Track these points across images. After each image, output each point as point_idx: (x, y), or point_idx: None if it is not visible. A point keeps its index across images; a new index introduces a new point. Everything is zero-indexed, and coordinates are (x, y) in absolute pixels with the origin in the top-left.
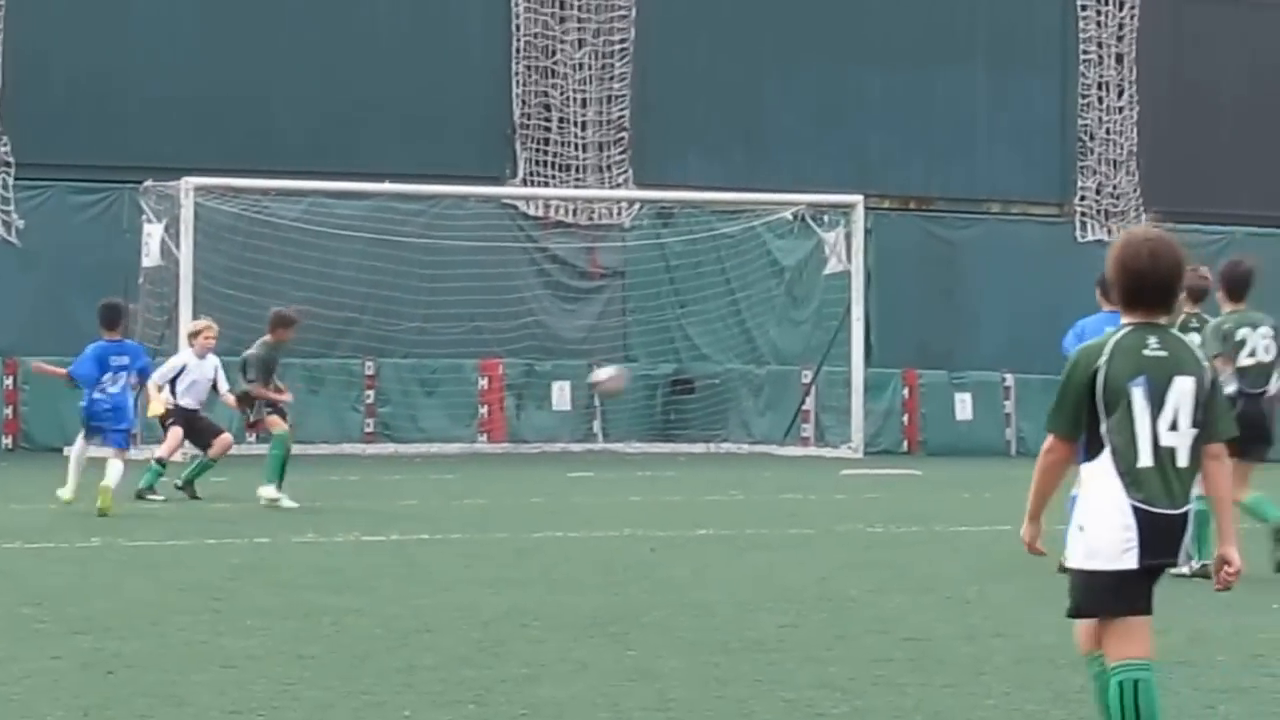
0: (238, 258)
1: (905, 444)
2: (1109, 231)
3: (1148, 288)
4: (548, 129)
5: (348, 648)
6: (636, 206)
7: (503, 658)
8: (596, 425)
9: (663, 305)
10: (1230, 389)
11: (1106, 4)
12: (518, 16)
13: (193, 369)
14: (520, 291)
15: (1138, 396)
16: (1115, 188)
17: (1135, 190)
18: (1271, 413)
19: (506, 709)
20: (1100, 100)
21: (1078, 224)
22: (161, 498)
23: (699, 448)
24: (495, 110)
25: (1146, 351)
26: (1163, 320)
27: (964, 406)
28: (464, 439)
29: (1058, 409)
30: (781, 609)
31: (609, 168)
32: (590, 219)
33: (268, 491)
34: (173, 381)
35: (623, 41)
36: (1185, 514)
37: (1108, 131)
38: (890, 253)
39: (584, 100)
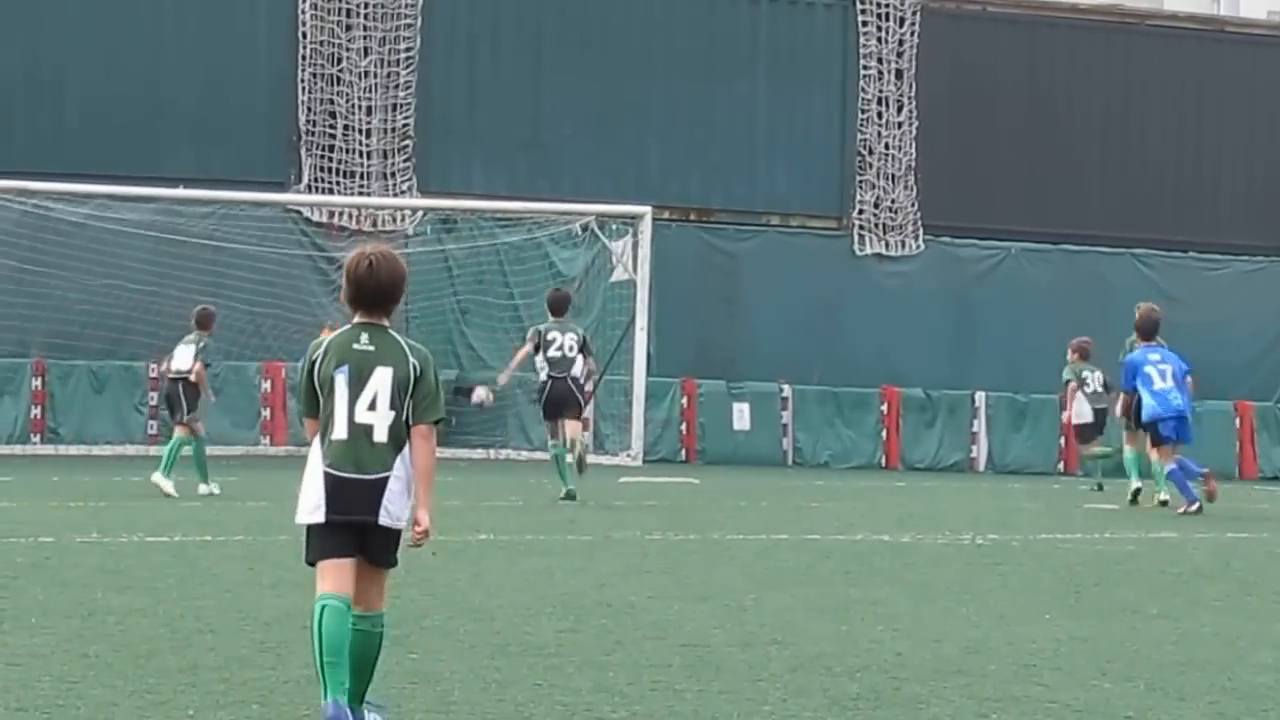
0: (24, 258)
1: (683, 453)
2: (886, 245)
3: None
4: (333, 136)
5: (131, 647)
6: (420, 214)
7: (285, 659)
8: None
9: (445, 312)
10: None
11: (887, 20)
12: (304, 24)
13: None
14: (304, 296)
15: None
16: (893, 202)
17: (913, 205)
18: None
19: (289, 710)
20: (879, 115)
21: (856, 237)
22: None
23: (479, 454)
24: (281, 116)
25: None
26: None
27: (741, 416)
28: (247, 441)
29: None
30: (561, 614)
31: (393, 175)
32: (374, 226)
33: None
34: None
35: (408, 50)
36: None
37: (886, 146)
38: (670, 263)
39: (369, 108)
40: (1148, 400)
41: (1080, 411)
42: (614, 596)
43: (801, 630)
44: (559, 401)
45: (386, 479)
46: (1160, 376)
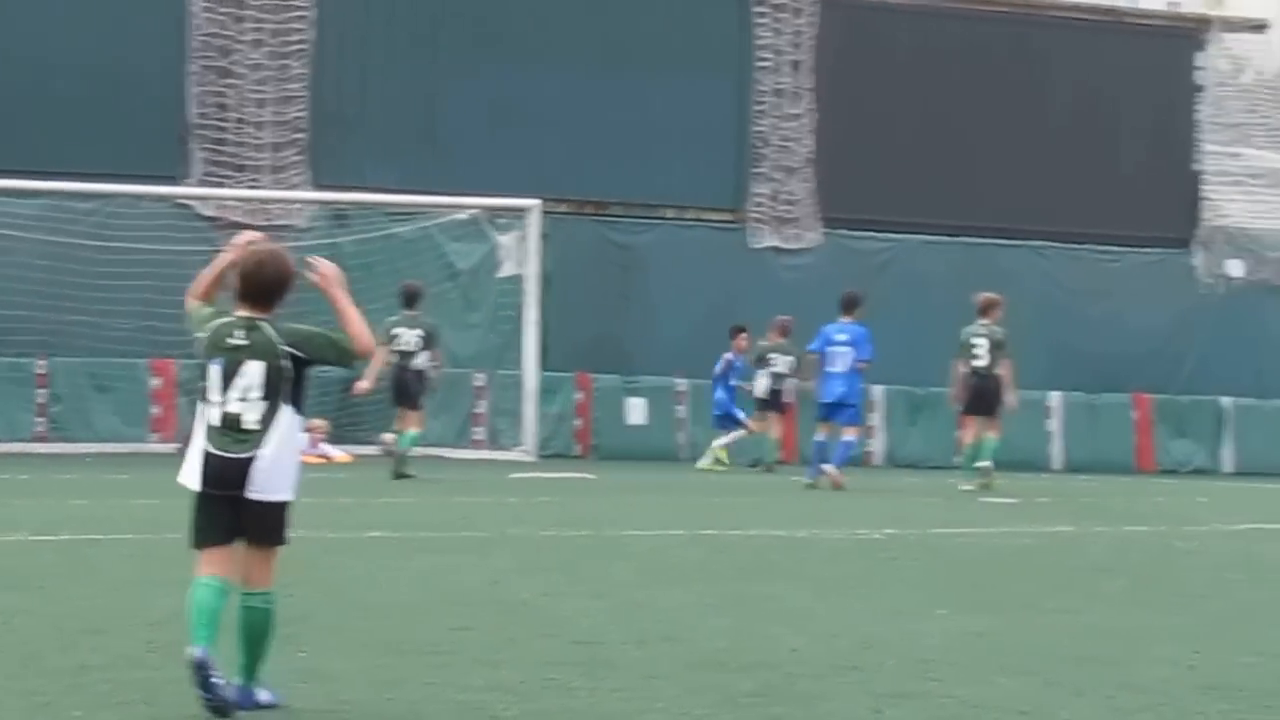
0: None
1: (578, 447)
2: (783, 238)
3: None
4: (224, 129)
5: (16, 647)
6: (312, 208)
7: (173, 658)
8: None
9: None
10: None
11: (783, 11)
12: (194, 15)
13: None
14: None
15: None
16: (790, 194)
17: (811, 197)
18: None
19: (177, 709)
20: (776, 107)
21: (751, 230)
22: None
23: (370, 449)
24: (170, 109)
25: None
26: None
27: (636, 410)
28: (136, 439)
29: None
30: (453, 612)
31: (285, 169)
32: (266, 220)
33: None
34: None
35: (300, 42)
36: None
37: (783, 138)
38: (566, 256)
39: (261, 101)
40: (820, 379)
41: (759, 387)
42: (507, 593)
43: (696, 627)
44: (400, 391)
45: (253, 458)
46: (836, 361)
